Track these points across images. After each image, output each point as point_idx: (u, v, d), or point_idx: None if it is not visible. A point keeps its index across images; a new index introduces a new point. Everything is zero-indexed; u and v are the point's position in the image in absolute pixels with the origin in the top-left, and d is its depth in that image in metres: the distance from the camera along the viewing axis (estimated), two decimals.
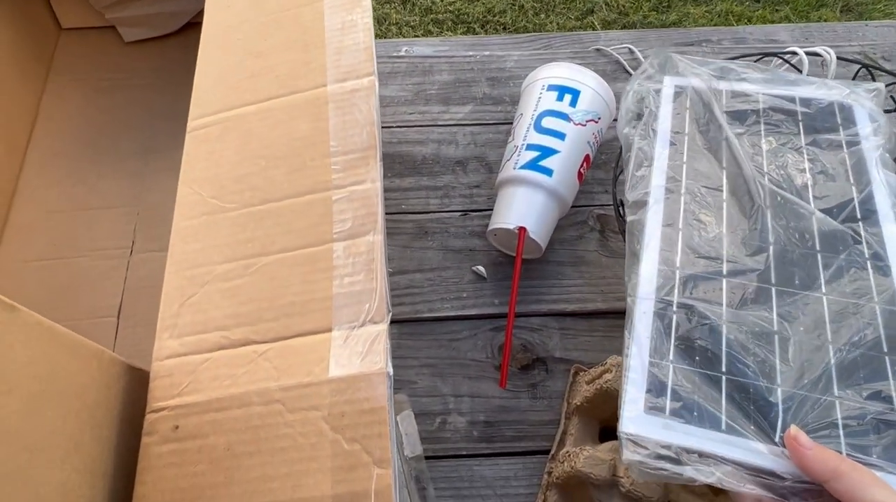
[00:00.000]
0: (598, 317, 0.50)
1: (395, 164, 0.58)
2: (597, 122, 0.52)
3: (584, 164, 0.52)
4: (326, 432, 0.25)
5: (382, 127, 0.61)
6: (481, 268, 0.52)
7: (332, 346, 0.27)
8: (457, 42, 0.67)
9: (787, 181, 0.38)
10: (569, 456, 0.36)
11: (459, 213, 0.56)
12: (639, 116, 0.43)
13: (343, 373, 0.26)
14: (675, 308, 0.33)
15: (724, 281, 0.34)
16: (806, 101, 0.42)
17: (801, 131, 0.40)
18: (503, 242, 0.52)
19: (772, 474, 0.28)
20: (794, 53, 0.49)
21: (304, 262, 0.29)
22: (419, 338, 0.49)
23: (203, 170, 0.33)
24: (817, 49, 0.48)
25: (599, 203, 0.55)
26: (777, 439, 0.28)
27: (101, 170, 0.56)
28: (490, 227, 0.50)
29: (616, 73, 0.64)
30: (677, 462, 0.28)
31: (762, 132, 0.41)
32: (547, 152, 0.50)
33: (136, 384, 0.29)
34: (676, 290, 0.34)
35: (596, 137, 0.53)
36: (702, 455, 0.28)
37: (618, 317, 0.50)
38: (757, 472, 0.28)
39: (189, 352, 0.28)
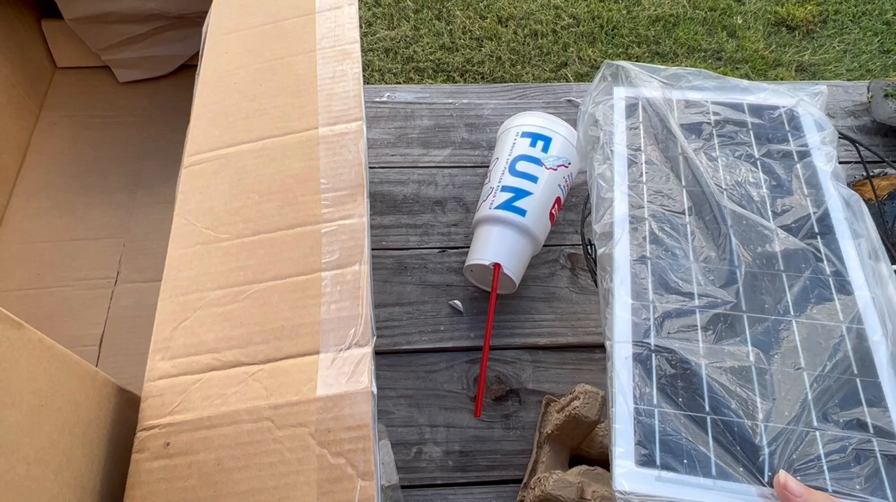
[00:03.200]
0: (568, 351, 0.53)
1: (377, 203, 0.61)
2: (567, 167, 0.56)
3: (556, 206, 0.55)
4: (313, 447, 0.26)
5: None
6: (458, 303, 0.54)
7: (319, 367, 0.29)
8: (437, 89, 0.71)
9: (747, 198, 0.38)
10: (539, 481, 0.37)
11: (438, 250, 0.58)
12: (596, 139, 0.42)
13: (330, 391, 0.28)
14: (653, 349, 0.33)
15: (698, 314, 0.34)
16: (756, 110, 0.42)
17: (754, 142, 0.41)
18: (479, 278, 0.54)
19: None
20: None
21: (294, 289, 0.31)
22: (397, 370, 0.51)
23: (198, 203, 0.35)
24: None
25: (570, 243, 0.59)
26: (766, 480, 0.29)
27: (88, 201, 0.58)
28: (467, 263, 0.53)
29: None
30: None
31: (716, 145, 0.41)
32: (521, 194, 0.53)
33: (125, 405, 0.30)
34: (653, 332, 0.33)
35: (566, 181, 0.56)
36: None
37: (587, 350, 0.53)
38: None
39: (181, 373, 0.29)
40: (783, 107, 0.43)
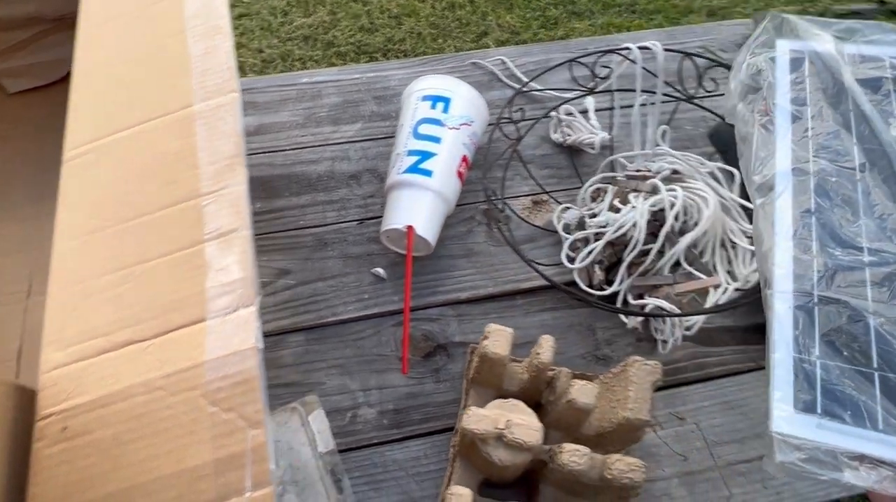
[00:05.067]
0: (490, 301, 0.54)
1: (292, 184, 0.61)
2: (470, 125, 0.57)
3: (463, 164, 0.56)
4: (204, 407, 0.27)
5: (276, 151, 0.64)
6: (380, 270, 0.55)
7: (207, 333, 0.29)
8: (345, 68, 0.71)
9: None
10: (459, 420, 0.39)
11: (356, 222, 0.59)
12: (754, 90, 0.40)
13: (218, 353, 0.29)
14: (817, 301, 0.32)
15: (869, 270, 0.32)
16: None
17: None
18: (397, 243, 0.55)
19: None
20: (629, 48, 0.56)
21: (179, 264, 0.32)
22: (325, 342, 0.52)
23: (80, 196, 0.35)
24: (647, 44, 0.55)
25: (483, 199, 0.60)
26: None
27: None
28: (382, 229, 0.54)
29: (491, 83, 0.70)
30: (834, 465, 0.28)
31: (895, 101, 0.38)
32: (426, 156, 0.54)
33: (26, 403, 0.30)
34: (817, 282, 0.32)
35: (471, 140, 0.58)
36: (859, 457, 0.28)
37: (508, 298, 0.55)
38: None
39: (74, 361, 0.30)
40: None
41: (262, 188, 0.61)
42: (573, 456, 0.36)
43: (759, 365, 0.51)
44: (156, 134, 0.37)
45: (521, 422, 0.37)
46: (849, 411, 0.29)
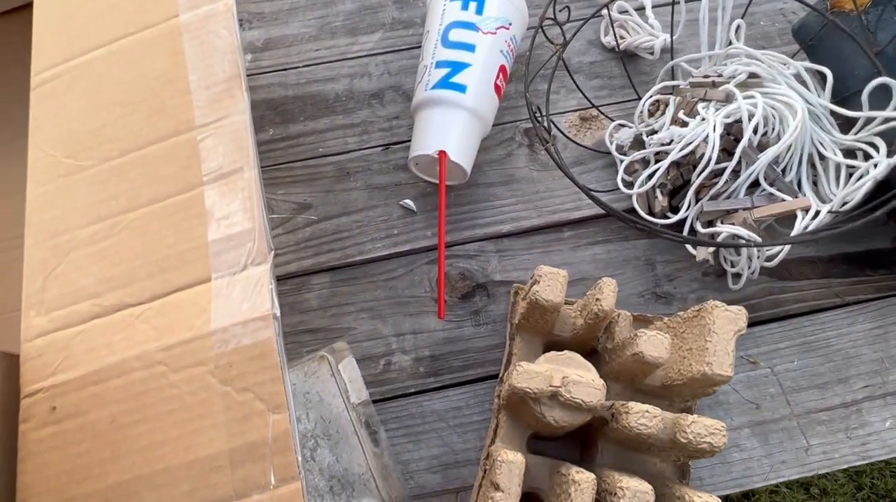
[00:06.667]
0: (534, 234, 0.48)
1: (307, 107, 0.55)
2: (508, 29, 0.49)
3: (501, 76, 0.49)
4: (215, 386, 0.23)
5: (288, 68, 0.57)
6: (409, 202, 0.50)
7: (212, 296, 0.24)
8: None
9: None
10: (508, 375, 0.34)
11: (381, 148, 0.52)
12: None
13: (227, 322, 0.24)
14: None
15: None
16: None
17: None
18: (427, 170, 0.49)
19: None
20: None
21: (175, 212, 0.27)
22: (353, 283, 0.47)
23: (54, 129, 0.30)
24: None
25: (525, 117, 0.53)
26: None
27: None
28: (410, 156, 0.47)
29: None
30: None
31: None
32: (458, 67, 0.47)
33: (13, 371, 0.26)
34: None
35: (509, 45, 0.49)
36: None
37: (555, 230, 0.49)
38: None
39: (59, 328, 0.25)
40: None
41: (275, 112, 0.54)
42: (642, 418, 0.31)
43: (845, 301, 0.45)
44: (136, 52, 0.30)
45: (580, 380, 0.32)
46: None
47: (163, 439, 0.23)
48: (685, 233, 0.44)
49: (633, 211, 0.46)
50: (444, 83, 0.46)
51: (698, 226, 0.44)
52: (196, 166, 0.27)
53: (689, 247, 0.45)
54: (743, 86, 0.45)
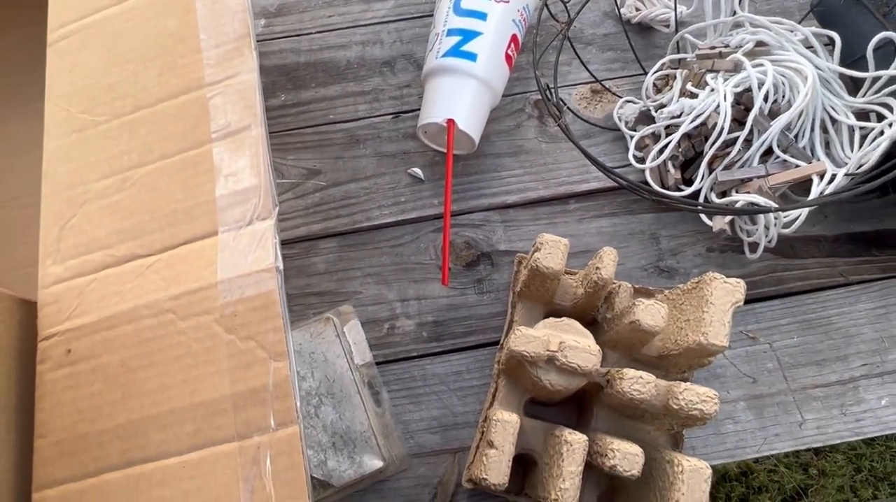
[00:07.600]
0: (540, 205, 0.49)
1: (318, 73, 0.55)
2: None
3: (512, 46, 0.48)
4: (220, 334, 0.24)
5: (301, 34, 0.57)
6: (417, 171, 0.50)
7: (219, 249, 0.25)
8: None
9: None
10: (504, 335, 0.35)
11: (391, 116, 0.53)
12: None
13: (232, 273, 0.25)
14: None
15: None
16: None
17: None
18: (435, 139, 0.49)
19: None
20: None
21: (185, 167, 0.27)
22: (360, 249, 0.48)
23: (69, 85, 0.30)
24: None
25: (535, 89, 0.53)
26: None
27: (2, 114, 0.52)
28: (419, 125, 0.48)
29: None
30: None
31: None
32: (469, 35, 0.46)
33: (30, 317, 0.27)
34: None
35: (522, 15, 0.49)
36: None
37: (561, 202, 0.49)
38: None
39: (74, 276, 0.26)
40: None
41: (287, 78, 0.55)
42: (635, 383, 0.32)
43: (848, 280, 0.45)
44: (149, 10, 0.31)
45: (576, 345, 0.33)
46: None
47: (170, 382, 0.24)
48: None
49: (645, 184, 0.46)
50: (455, 51, 0.46)
51: (713, 197, 0.44)
52: (205, 123, 0.28)
53: (704, 218, 0.44)
54: (751, 54, 0.45)
